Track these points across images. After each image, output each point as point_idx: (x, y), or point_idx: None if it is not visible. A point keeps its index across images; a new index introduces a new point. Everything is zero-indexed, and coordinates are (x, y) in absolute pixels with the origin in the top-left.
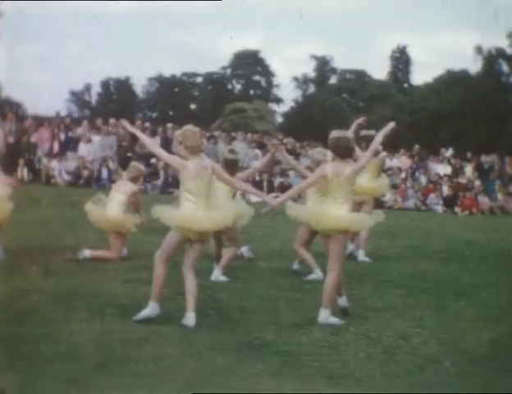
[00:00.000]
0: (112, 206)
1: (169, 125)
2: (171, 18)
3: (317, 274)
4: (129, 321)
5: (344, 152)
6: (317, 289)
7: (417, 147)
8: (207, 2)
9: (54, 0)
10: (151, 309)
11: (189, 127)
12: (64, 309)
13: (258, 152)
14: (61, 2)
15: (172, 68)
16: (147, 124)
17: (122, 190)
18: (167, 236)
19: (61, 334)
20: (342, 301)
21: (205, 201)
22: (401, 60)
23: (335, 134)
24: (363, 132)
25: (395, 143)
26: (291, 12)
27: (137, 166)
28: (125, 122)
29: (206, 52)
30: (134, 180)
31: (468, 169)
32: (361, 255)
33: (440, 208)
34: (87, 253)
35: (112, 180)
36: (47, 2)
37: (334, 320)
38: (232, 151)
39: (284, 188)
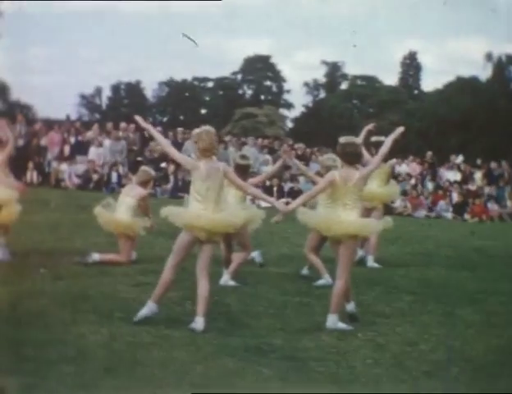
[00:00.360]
0: (121, 210)
1: (179, 129)
2: (182, 22)
3: (326, 279)
4: (137, 325)
5: (352, 158)
6: (326, 294)
7: (429, 153)
8: (218, 6)
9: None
10: (149, 309)
11: (205, 128)
12: (72, 312)
13: (268, 157)
14: (74, 3)
15: (183, 73)
16: (158, 128)
17: (131, 194)
18: (178, 239)
19: (68, 337)
20: (350, 307)
21: (214, 204)
22: (412, 66)
23: (343, 140)
24: (374, 138)
25: (402, 148)
26: (303, 17)
27: (147, 170)
28: (138, 118)
29: (217, 57)
30: (143, 184)
31: (478, 176)
32: (370, 261)
33: (449, 215)
34: (96, 256)
35: (121, 185)
36: (59, 4)
37: (342, 326)
38: (244, 156)
39: (294, 193)
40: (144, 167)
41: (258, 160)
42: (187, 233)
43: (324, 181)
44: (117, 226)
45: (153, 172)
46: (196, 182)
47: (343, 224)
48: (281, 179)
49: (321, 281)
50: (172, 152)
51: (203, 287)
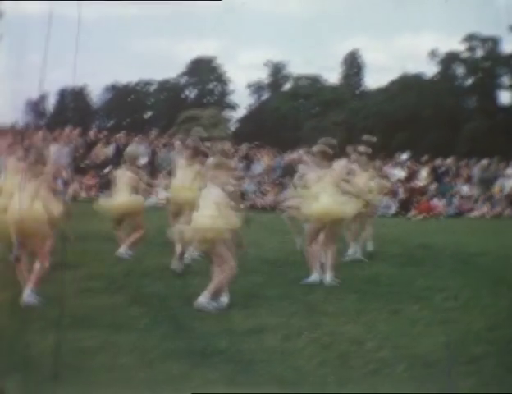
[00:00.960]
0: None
1: (121, 134)
2: (127, 25)
3: (315, 276)
4: (83, 330)
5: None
6: (272, 297)
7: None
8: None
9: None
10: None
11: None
12: (18, 320)
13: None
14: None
15: (127, 76)
16: (103, 132)
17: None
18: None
19: (15, 346)
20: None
21: None
22: (354, 65)
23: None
24: (365, 137)
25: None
26: (248, 18)
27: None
28: None
29: (163, 60)
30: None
31: (423, 173)
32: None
33: (392, 212)
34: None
35: (66, 190)
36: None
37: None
38: None
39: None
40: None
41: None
42: None
43: None
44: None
45: None
46: None
47: None
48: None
49: (311, 278)
50: None
51: None
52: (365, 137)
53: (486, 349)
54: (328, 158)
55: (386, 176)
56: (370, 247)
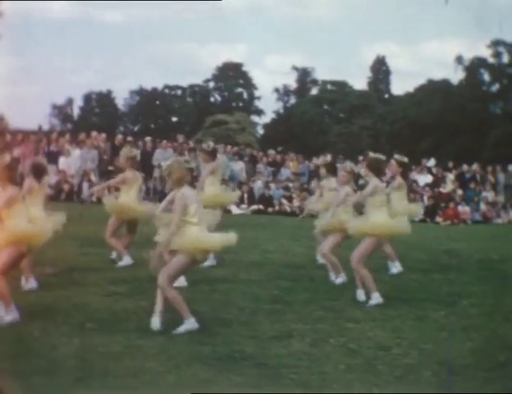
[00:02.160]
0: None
1: (148, 138)
2: (154, 30)
3: (342, 278)
4: (108, 335)
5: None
6: (297, 301)
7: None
8: (192, 13)
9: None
10: (191, 324)
11: (175, 160)
12: (44, 324)
13: (242, 164)
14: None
15: (155, 81)
16: (129, 138)
17: None
18: (176, 263)
19: (40, 349)
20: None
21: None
22: (381, 70)
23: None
24: (396, 157)
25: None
26: (275, 23)
27: None
28: None
29: (189, 65)
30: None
31: (450, 178)
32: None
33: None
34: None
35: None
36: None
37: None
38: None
39: (265, 200)
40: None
41: (229, 167)
42: (187, 256)
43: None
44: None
45: None
46: (191, 207)
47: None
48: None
49: (339, 279)
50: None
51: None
52: (397, 157)
53: (510, 355)
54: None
55: (414, 182)
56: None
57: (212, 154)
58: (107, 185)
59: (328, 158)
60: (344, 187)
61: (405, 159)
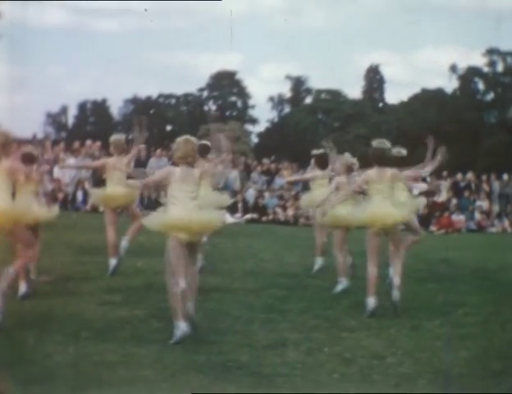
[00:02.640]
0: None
1: (141, 146)
2: (148, 38)
3: (343, 284)
4: (103, 343)
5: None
6: (291, 309)
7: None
8: (186, 22)
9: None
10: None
11: (184, 137)
12: (38, 332)
13: (236, 172)
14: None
15: (149, 89)
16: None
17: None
18: (170, 254)
19: (35, 357)
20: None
21: (191, 205)
22: (375, 79)
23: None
24: (395, 150)
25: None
26: (268, 32)
27: None
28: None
29: (183, 74)
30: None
31: (445, 186)
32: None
33: None
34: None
35: (86, 203)
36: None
37: None
38: None
39: (259, 209)
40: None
41: (224, 175)
42: (175, 242)
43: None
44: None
45: None
46: (172, 186)
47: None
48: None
49: (339, 287)
50: (150, 180)
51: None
52: (396, 151)
53: (506, 364)
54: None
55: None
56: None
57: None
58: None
59: (321, 150)
60: (336, 178)
61: (404, 152)
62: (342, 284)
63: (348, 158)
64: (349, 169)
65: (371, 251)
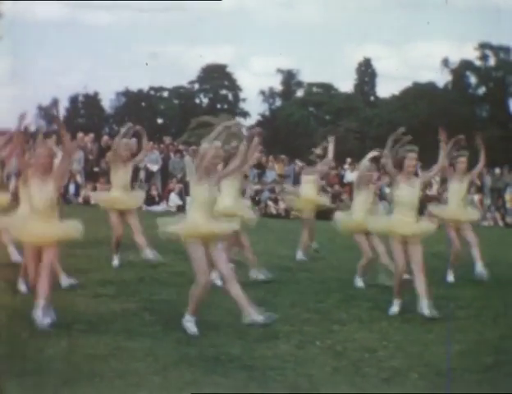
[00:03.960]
0: None
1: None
2: (139, 32)
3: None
4: (95, 336)
5: None
6: (282, 304)
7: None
8: (178, 15)
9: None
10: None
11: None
12: (31, 326)
13: None
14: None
15: (140, 82)
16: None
17: None
18: (195, 257)
19: (27, 351)
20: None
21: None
22: (367, 73)
23: None
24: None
25: (359, 155)
26: (260, 25)
27: None
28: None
29: (174, 66)
30: None
31: (436, 181)
32: None
33: None
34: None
35: (78, 195)
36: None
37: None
38: None
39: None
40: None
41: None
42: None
43: None
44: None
45: None
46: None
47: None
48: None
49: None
50: None
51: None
52: (409, 148)
53: (498, 358)
54: None
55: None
56: None
57: None
58: None
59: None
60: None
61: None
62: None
63: (366, 165)
64: (368, 181)
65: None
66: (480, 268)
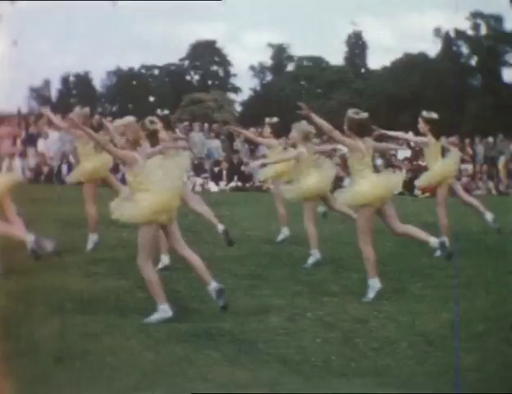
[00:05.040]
0: None
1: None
2: (129, 10)
3: (314, 256)
4: (88, 315)
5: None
6: (275, 276)
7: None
8: None
9: None
10: (164, 312)
11: (129, 119)
12: (23, 306)
13: (218, 142)
14: None
15: (131, 60)
16: (108, 118)
17: None
18: (143, 237)
19: (20, 331)
20: None
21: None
22: (357, 45)
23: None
24: (425, 113)
25: None
26: (249, 0)
27: None
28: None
29: (165, 44)
30: None
31: None
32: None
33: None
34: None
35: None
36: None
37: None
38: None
39: (244, 177)
40: None
41: (205, 145)
42: (149, 226)
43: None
44: None
45: None
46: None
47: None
48: (231, 163)
49: (311, 259)
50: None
51: (195, 260)
52: (425, 113)
53: (489, 325)
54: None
55: (393, 155)
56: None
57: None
58: None
59: (274, 119)
60: (298, 148)
61: (434, 115)
62: (314, 257)
63: (304, 125)
64: (306, 138)
65: (369, 230)
66: (489, 217)
